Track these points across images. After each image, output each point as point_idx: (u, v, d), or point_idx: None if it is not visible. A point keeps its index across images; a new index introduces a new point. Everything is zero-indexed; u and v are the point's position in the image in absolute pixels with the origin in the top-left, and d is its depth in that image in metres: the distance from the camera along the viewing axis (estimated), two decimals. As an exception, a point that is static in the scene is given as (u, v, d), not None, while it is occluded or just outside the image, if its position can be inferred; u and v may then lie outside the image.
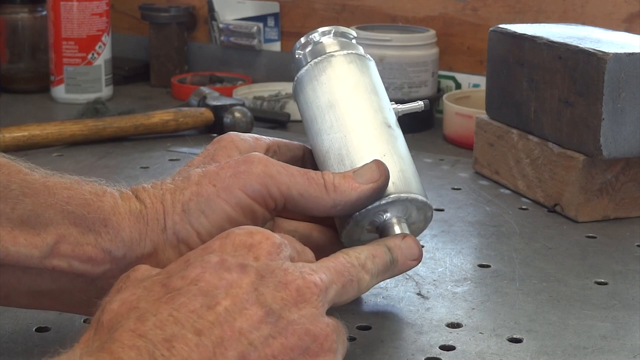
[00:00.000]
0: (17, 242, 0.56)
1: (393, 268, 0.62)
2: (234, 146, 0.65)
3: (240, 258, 0.51)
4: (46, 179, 0.59)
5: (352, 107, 0.68)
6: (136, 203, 0.61)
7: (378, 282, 0.61)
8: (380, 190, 0.63)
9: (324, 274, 0.54)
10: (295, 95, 0.72)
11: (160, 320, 0.47)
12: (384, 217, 0.65)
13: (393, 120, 0.69)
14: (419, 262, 0.64)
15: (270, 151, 0.68)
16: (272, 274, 0.51)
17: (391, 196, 0.65)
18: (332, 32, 0.74)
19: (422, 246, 0.82)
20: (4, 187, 0.57)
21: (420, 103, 0.72)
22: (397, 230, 0.65)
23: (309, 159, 0.71)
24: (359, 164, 0.64)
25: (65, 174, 0.61)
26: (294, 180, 0.61)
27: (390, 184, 0.64)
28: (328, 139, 0.67)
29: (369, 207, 0.64)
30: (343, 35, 0.74)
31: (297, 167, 0.62)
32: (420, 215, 0.67)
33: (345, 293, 0.56)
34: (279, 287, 0.51)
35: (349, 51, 0.72)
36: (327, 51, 0.72)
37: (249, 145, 0.66)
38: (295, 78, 0.72)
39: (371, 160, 0.64)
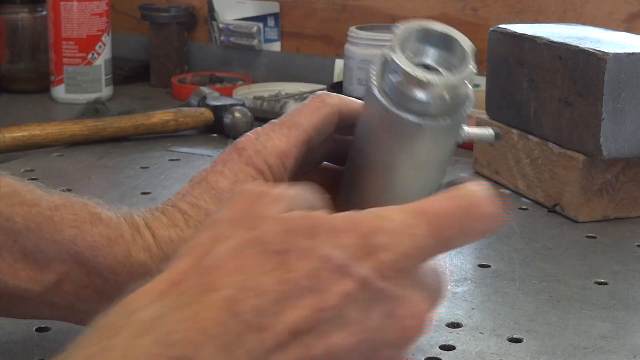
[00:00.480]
0: (17, 276, 0.54)
1: None
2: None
3: (365, 268, 0.44)
4: (53, 212, 0.56)
5: (410, 180, 0.57)
6: (155, 257, 0.56)
7: None
8: None
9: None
10: (367, 95, 0.57)
11: (262, 305, 0.42)
12: None
13: (441, 184, 0.59)
14: None
15: (298, 160, 0.61)
16: (387, 299, 0.45)
17: None
18: (446, 88, 0.53)
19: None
20: (6, 219, 0.54)
21: (491, 132, 0.61)
22: None
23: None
24: None
25: (80, 201, 0.57)
26: None
27: None
28: (371, 198, 0.58)
29: None
30: (460, 87, 0.54)
31: None
32: None
33: None
34: (388, 318, 0.45)
35: (452, 122, 0.54)
36: (431, 114, 0.53)
37: (275, 175, 0.59)
38: (378, 97, 0.55)
39: None
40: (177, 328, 0.40)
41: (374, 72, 0.56)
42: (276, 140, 0.59)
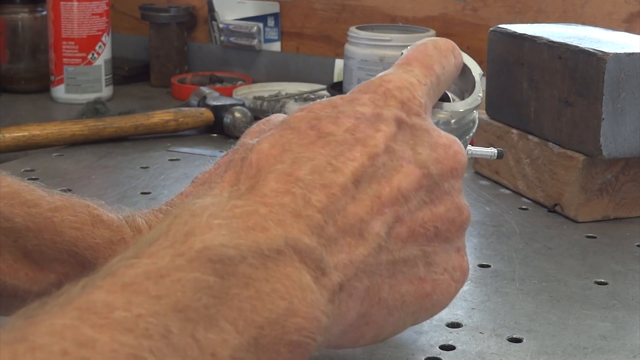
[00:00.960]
0: (16, 276, 0.55)
1: None
2: None
3: (393, 109, 0.47)
4: (54, 214, 0.56)
5: None
6: None
7: None
8: None
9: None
10: None
11: (318, 166, 0.43)
12: None
13: None
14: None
15: None
16: (427, 133, 0.48)
17: None
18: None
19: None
20: (5, 220, 0.55)
21: (494, 151, 0.64)
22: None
23: None
24: None
25: (82, 202, 0.57)
26: None
27: None
28: None
29: None
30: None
31: None
32: None
33: None
34: (435, 147, 0.48)
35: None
36: None
37: None
38: None
39: None
40: (243, 205, 0.40)
41: None
42: None
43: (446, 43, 0.54)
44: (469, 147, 0.61)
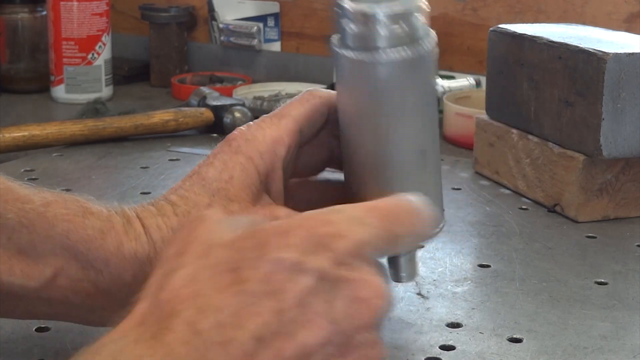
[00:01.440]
0: (12, 273, 0.55)
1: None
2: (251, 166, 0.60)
3: (319, 260, 0.45)
4: (46, 208, 0.56)
5: (393, 130, 0.57)
6: (145, 245, 0.57)
7: None
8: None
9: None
10: (334, 59, 0.59)
11: (222, 320, 0.43)
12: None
13: (433, 136, 0.59)
14: None
15: (292, 149, 0.62)
16: (349, 285, 0.45)
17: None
18: (398, 17, 0.55)
19: (422, 246, 0.82)
20: None
21: (471, 79, 0.62)
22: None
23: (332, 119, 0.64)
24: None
25: (72, 197, 0.58)
26: None
27: None
28: (358, 154, 0.59)
29: None
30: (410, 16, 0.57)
31: None
32: None
33: None
34: (354, 301, 0.45)
35: (412, 55, 0.55)
36: (388, 46, 0.55)
37: (266, 162, 0.60)
38: (339, 51, 0.56)
39: None
40: (143, 355, 0.41)
41: (333, 35, 0.57)
42: (267, 129, 0.61)
43: (426, 213, 0.50)
44: (443, 82, 0.59)
